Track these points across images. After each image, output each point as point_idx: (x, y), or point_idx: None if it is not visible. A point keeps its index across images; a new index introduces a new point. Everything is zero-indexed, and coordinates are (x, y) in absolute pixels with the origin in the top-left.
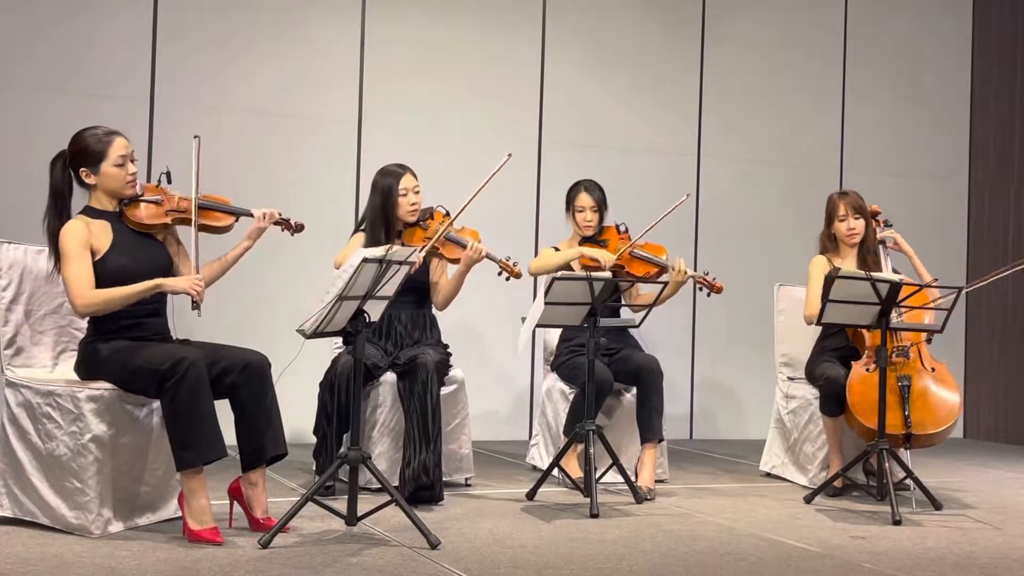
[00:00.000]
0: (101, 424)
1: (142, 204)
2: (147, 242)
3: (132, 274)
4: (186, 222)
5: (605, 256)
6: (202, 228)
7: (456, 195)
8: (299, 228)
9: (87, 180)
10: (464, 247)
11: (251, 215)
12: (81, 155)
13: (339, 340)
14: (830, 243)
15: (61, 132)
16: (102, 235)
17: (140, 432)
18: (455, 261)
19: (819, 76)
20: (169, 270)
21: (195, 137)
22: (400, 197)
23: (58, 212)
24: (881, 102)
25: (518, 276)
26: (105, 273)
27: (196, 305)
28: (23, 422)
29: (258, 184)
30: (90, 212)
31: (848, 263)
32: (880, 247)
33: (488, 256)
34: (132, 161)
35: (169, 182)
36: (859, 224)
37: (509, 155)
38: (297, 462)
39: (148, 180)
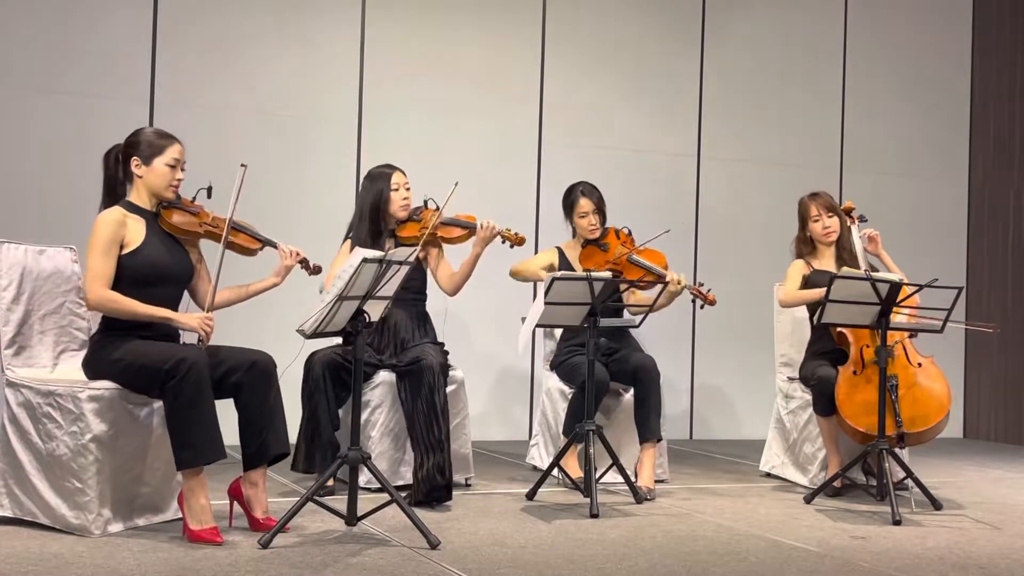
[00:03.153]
0: (101, 424)
1: (178, 211)
2: (176, 246)
3: (160, 271)
4: (215, 238)
5: None
6: (229, 246)
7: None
8: (316, 270)
9: (135, 170)
10: (465, 228)
11: (276, 247)
12: (138, 145)
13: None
14: (806, 246)
15: (61, 133)
16: (137, 230)
17: (140, 432)
18: (455, 240)
19: (819, 77)
20: (190, 278)
21: (242, 165)
22: (392, 192)
23: (112, 203)
24: (881, 102)
25: (521, 243)
26: (134, 266)
27: (202, 341)
28: (23, 422)
29: (258, 184)
30: (128, 206)
31: (826, 263)
32: (857, 243)
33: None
34: (182, 169)
35: (209, 197)
36: (834, 222)
37: (456, 183)
38: None
39: None
